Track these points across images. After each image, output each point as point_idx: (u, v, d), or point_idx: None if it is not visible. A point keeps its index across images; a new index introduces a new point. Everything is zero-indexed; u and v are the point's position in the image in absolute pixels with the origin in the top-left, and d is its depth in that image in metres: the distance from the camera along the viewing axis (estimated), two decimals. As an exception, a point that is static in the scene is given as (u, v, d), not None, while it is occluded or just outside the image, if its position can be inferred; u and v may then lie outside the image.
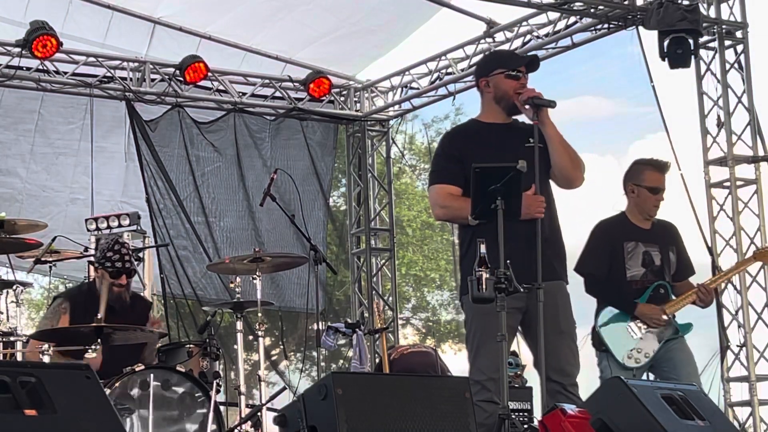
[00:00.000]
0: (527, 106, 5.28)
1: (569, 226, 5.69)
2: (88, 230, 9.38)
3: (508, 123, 5.42)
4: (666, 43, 9.19)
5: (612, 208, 6.83)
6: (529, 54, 9.31)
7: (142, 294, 8.70)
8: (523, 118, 5.46)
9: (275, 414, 4.83)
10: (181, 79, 10.67)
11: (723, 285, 8.21)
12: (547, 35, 10.48)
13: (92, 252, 8.34)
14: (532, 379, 5.63)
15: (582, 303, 6.17)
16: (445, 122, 19.94)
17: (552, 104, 5.26)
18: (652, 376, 6.61)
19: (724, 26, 9.60)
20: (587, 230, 6.74)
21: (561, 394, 5.15)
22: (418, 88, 11.82)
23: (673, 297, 6.51)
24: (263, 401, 6.62)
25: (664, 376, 6.47)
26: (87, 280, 8.60)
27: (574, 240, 6.44)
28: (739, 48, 9.65)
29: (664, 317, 6.42)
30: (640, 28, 9.66)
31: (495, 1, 9.79)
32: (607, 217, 6.71)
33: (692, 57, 9.27)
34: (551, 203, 5.40)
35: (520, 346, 6.72)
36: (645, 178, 6.57)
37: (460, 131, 5.61)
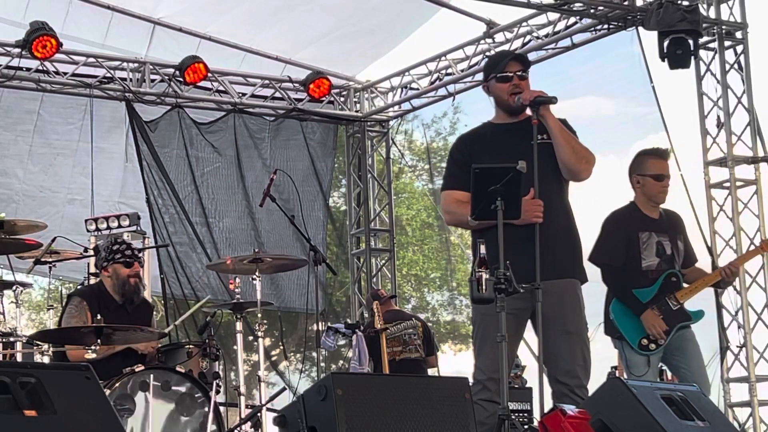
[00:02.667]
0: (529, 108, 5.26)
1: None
2: (88, 231, 9.36)
3: (518, 122, 5.35)
4: (666, 44, 9.18)
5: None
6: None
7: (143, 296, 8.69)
8: None
9: (275, 414, 4.82)
10: (181, 79, 10.67)
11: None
12: (546, 36, 10.47)
13: (92, 253, 8.32)
14: (535, 379, 5.59)
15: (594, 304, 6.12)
16: (444, 121, 19.97)
17: (553, 100, 5.22)
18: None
19: (723, 27, 9.60)
20: (588, 229, 6.72)
21: (567, 397, 5.10)
22: (417, 89, 11.82)
23: (684, 285, 6.55)
24: (263, 402, 6.62)
25: (674, 364, 6.53)
26: (88, 282, 8.59)
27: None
28: (739, 48, 9.65)
29: (663, 337, 6.40)
30: (640, 28, 9.66)
31: (495, 2, 9.79)
32: (618, 208, 6.71)
33: (692, 57, 9.28)
34: (564, 201, 5.36)
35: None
36: (648, 167, 6.60)
37: (468, 135, 5.57)
